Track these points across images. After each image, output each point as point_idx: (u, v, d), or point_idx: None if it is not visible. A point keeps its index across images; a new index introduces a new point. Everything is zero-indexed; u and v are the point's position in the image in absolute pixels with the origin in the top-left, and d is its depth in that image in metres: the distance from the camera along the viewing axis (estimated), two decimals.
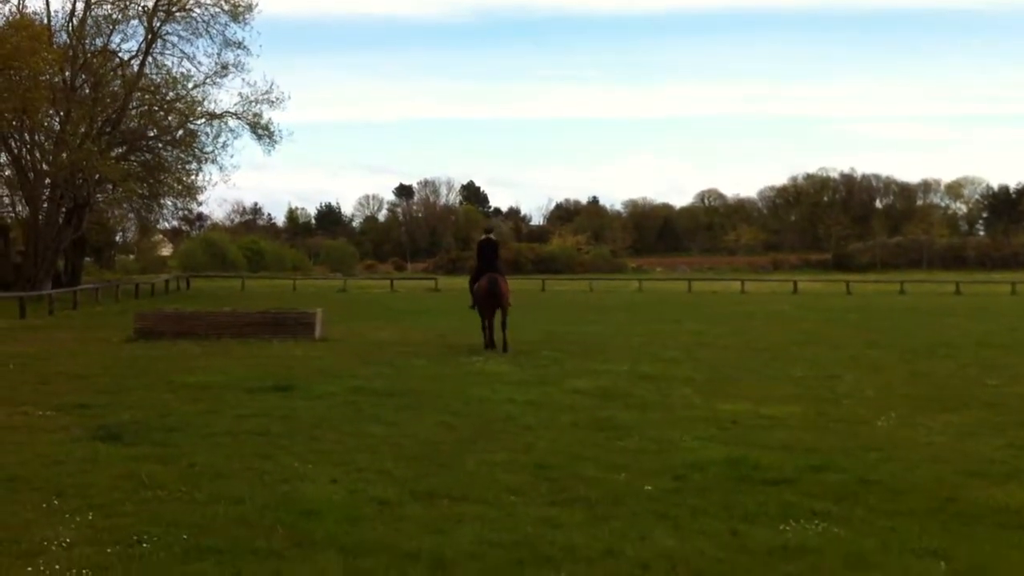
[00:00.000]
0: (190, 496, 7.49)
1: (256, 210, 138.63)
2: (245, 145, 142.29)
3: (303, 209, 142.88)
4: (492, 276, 19.54)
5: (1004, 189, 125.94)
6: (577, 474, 8.33)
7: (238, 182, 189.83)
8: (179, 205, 53.96)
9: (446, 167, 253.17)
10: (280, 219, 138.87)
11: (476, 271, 20.49)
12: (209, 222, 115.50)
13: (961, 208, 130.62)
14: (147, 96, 47.95)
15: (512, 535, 6.50)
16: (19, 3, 42.44)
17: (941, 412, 11.94)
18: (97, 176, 43.91)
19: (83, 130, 44.57)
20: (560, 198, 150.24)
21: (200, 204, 56.86)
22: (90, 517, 6.87)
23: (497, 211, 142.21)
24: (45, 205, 45.01)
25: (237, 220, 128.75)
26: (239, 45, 46.49)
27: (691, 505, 7.30)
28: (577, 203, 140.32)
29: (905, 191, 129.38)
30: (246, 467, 8.51)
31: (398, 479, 8.11)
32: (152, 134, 49.13)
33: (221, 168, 58.39)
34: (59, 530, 6.55)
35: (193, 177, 50.49)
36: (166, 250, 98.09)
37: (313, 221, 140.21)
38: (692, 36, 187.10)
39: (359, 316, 31.85)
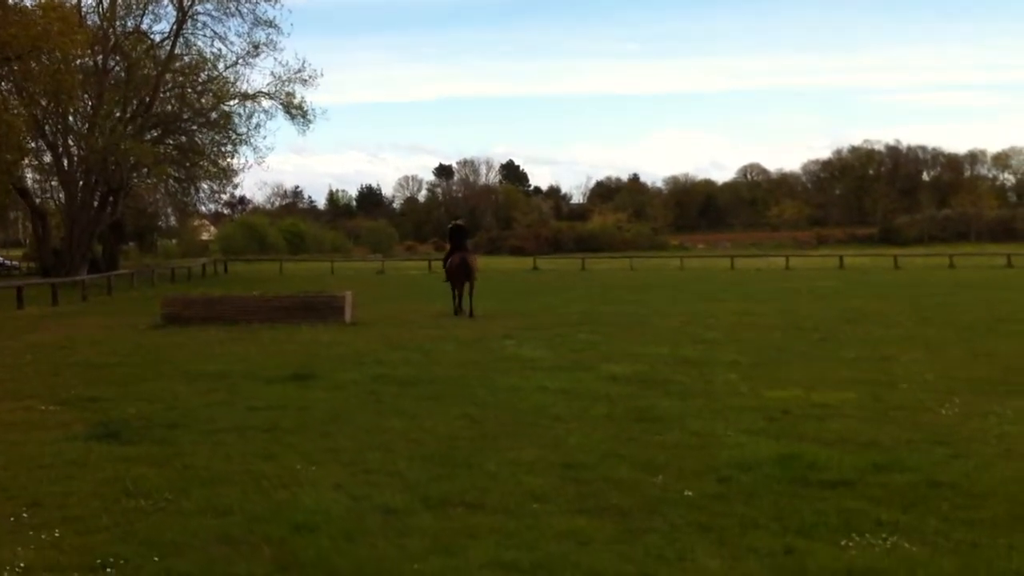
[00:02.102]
0: (176, 506, 6.71)
1: (297, 193, 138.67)
2: (280, 126, 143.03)
3: (344, 191, 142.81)
4: (462, 254, 23.29)
5: None
6: (609, 476, 7.45)
7: (279, 165, 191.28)
8: (215, 188, 53.66)
9: (485, 146, 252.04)
10: (321, 202, 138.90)
11: (449, 252, 24.32)
12: (251, 206, 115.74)
13: (1009, 179, 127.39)
14: (180, 78, 47.52)
15: (531, 554, 5.64)
16: None
17: (1009, 397, 10.93)
18: (132, 160, 43.54)
19: (117, 114, 44.25)
20: (600, 176, 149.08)
21: (236, 187, 56.63)
22: (57, 534, 6.11)
23: (537, 190, 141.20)
24: (80, 190, 44.73)
25: (278, 203, 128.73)
26: (270, 24, 45.97)
27: (738, 515, 6.38)
28: (617, 180, 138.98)
29: (952, 162, 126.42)
30: (245, 469, 7.74)
31: (410, 483, 7.29)
32: (186, 116, 48.73)
33: (256, 150, 57.97)
34: (18, 551, 5.79)
35: (228, 160, 50.15)
36: (208, 235, 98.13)
37: (354, 203, 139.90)
38: (732, 7, 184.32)
39: (394, 298, 31.22)
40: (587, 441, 8.74)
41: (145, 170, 46.33)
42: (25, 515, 6.54)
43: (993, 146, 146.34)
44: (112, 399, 11.52)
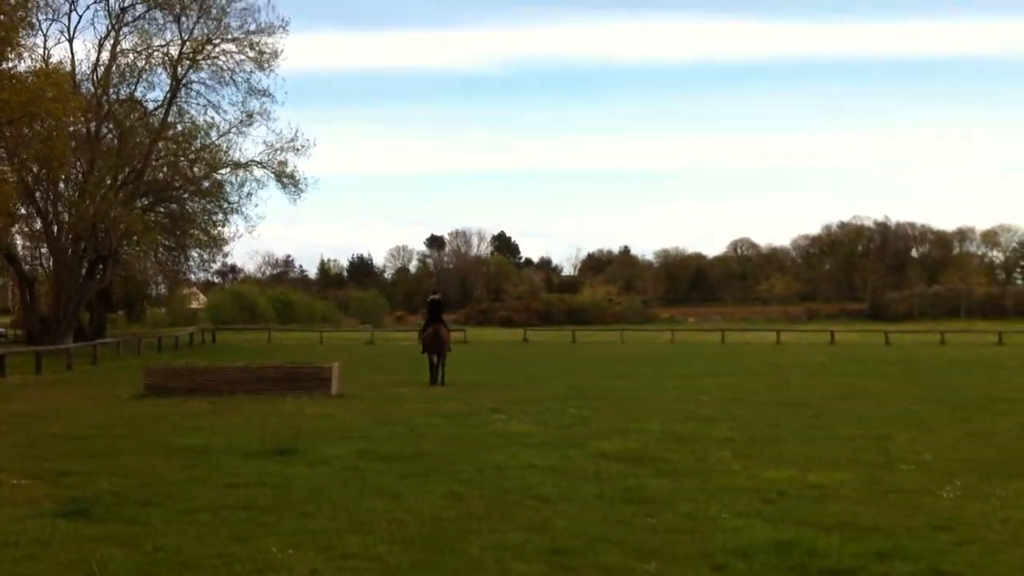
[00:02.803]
0: None
1: (288, 262, 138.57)
2: (272, 195, 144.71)
3: (335, 261, 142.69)
4: (436, 327, 24.91)
5: None
6: (599, 562, 7.10)
7: (271, 234, 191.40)
8: (205, 257, 53.46)
9: (477, 218, 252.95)
10: (312, 271, 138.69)
11: (426, 323, 26.20)
12: (242, 274, 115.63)
13: (998, 256, 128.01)
14: (172, 146, 47.60)
15: None
16: (44, 53, 42.35)
17: (1011, 479, 10.64)
18: (122, 227, 43.34)
19: (108, 181, 44.20)
20: (591, 248, 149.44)
21: (226, 255, 56.47)
22: None
23: (528, 262, 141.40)
24: (68, 257, 44.47)
25: (269, 272, 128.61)
26: (264, 93, 46.24)
27: None
28: (608, 253, 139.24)
29: (941, 239, 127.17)
30: (217, 552, 7.37)
31: (390, 568, 6.93)
32: (178, 184, 48.71)
33: (247, 219, 57.87)
34: None
35: (219, 228, 50.06)
36: (197, 303, 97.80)
37: (345, 273, 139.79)
38: (723, 86, 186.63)
39: (383, 369, 30.88)
40: (576, 523, 8.40)
41: (135, 238, 46.14)
42: None
43: (982, 223, 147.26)
44: (86, 473, 11.14)
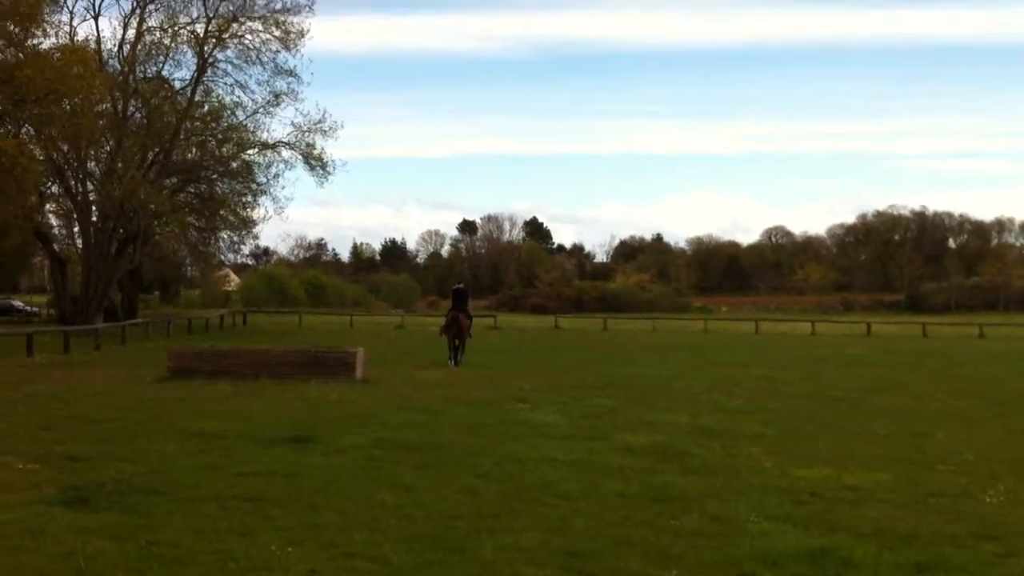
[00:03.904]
0: None
1: (320, 245, 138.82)
2: (299, 177, 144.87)
3: (368, 244, 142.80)
4: (455, 314, 26.51)
5: None
6: (618, 568, 6.63)
7: (304, 217, 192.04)
8: (235, 238, 53.34)
9: (509, 203, 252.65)
10: (345, 255, 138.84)
11: (450, 310, 27.60)
12: (275, 257, 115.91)
13: None
14: (199, 125, 47.45)
15: None
16: (70, 30, 42.30)
17: None
18: (153, 207, 43.22)
19: (137, 159, 44.13)
20: (624, 235, 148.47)
21: (256, 237, 56.31)
22: None
23: (560, 248, 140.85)
24: (98, 236, 44.48)
25: (301, 255, 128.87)
26: (291, 73, 45.96)
27: None
28: (641, 240, 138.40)
29: (979, 230, 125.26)
30: (215, 548, 6.97)
31: (393, 569, 6.50)
32: (207, 165, 48.58)
33: (275, 200, 57.69)
34: None
35: (249, 210, 49.91)
36: (231, 285, 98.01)
37: (378, 256, 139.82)
38: (758, 71, 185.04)
39: (411, 354, 30.55)
40: (596, 524, 7.94)
41: (164, 218, 46.07)
42: None
43: (1020, 214, 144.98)
44: (95, 458, 10.81)
